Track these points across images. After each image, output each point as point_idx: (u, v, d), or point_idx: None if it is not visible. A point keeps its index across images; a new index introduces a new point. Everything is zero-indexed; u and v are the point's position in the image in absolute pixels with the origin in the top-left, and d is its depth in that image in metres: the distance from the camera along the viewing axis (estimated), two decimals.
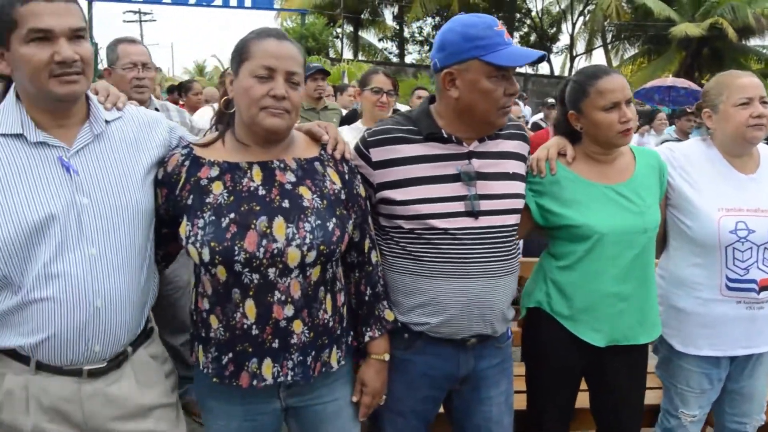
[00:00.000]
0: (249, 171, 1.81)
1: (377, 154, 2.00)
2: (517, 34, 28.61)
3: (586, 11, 26.61)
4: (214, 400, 1.90)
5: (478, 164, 2.01)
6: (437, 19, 29.69)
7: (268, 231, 1.74)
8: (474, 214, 1.97)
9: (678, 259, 2.48)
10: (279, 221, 1.75)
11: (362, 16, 29.94)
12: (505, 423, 2.20)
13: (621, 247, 2.18)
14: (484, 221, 1.98)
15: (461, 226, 1.96)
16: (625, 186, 2.25)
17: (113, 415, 1.80)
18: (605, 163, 2.29)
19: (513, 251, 2.07)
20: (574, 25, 27.26)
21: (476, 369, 2.10)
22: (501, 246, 2.02)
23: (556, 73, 27.68)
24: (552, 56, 30.03)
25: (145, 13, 39.92)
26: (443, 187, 1.97)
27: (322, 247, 1.77)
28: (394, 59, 29.08)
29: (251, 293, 1.75)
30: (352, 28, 30.81)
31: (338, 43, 28.23)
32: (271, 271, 1.74)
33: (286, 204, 1.78)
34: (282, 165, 1.84)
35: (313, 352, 1.84)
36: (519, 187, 2.11)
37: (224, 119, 1.90)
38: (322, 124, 1.98)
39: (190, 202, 1.78)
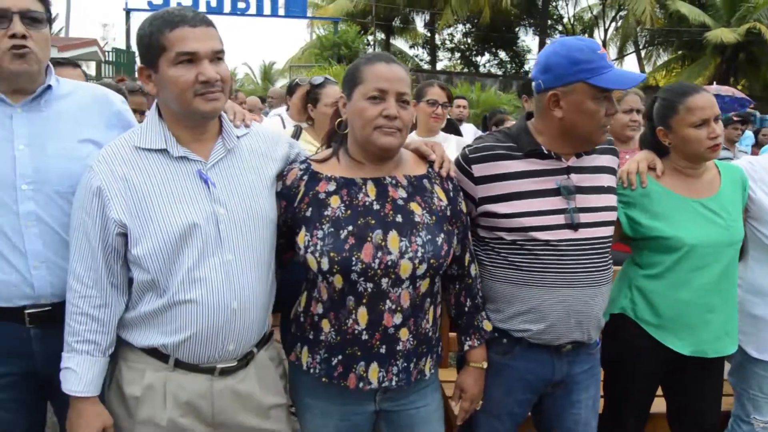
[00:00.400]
0: (364, 186, 1.93)
1: (479, 170, 2.10)
2: (548, 41, 28.56)
3: (618, 17, 26.50)
4: (313, 399, 2.01)
5: (576, 179, 2.10)
6: (467, 25, 29.79)
7: (383, 244, 1.85)
8: (573, 226, 2.06)
9: (757, 269, 2.54)
10: (393, 235, 1.86)
11: (393, 23, 30.11)
12: (592, 425, 2.29)
13: (709, 260, 2.27)
14: (583, 233, 2.07)
15: (562, 237, 2.06)
16: (712, 200, 2.33)
17: (239, 411, 1.94)
18: (693, 178, 2.37)
19: (608, 262, 2.17)
20: (606, 31, 27.17)
21: (570, 374, 2.19)
22: (598, 257, 2.11)
23: None
24: None
25: None
26: (544, 201, 2.07)
27: (432, 261, 1.88)
28: (426, 66, 29.20)
29: (364, 301, 1.86)
30: (383, 36, 31.02)
31: (370, 50, 28.48)
32: (384, 281, 1.85)
33: (399, 219, 1.89)
34: (394, 181, 1.95)
35: (414, 359, 1.94)
36: (612, 200, 2.20)
37: (337, 137, 2.03)
38: (428, 143, 2.09)
39: (308, 214, 1.90)
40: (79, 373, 1.81)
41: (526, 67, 31.37)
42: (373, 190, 1.93)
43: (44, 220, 1.94)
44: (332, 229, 1.86)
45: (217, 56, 1.77)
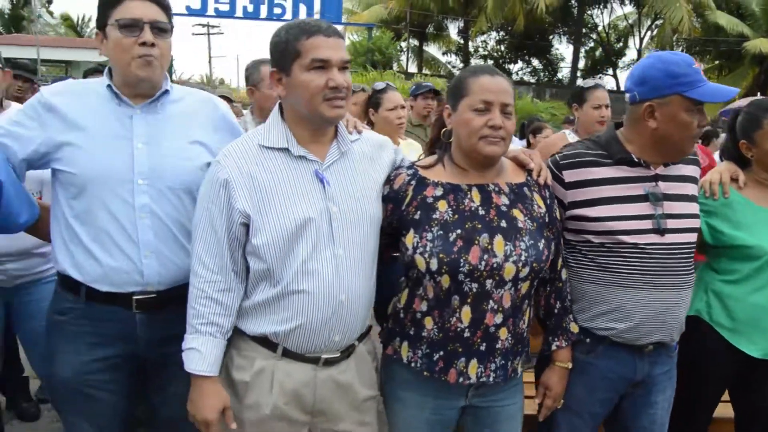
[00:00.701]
0: (469, 192, 2.03)
1: (570, 175, 2.20)
2: (582, 49, 28.48)
3: (654, 26, 26.32)
4: (407, 392, 2.11)
5: (663, 186, 2.19)
6: (501, 33, 29.83)
7: (489, 247, 1.95)
8: (660, 231, 2.15)
9: None
10: (498, 239, 1.97)
11: (427, 30, 30.28)
12: (665, 427, 2.37)
13: None
14: (670, 238, 2.16)
15: (649, 242, 2.14)
16: None
17: (338, 401, 2.05)
18: None
19: (692, 267, 2.25)
20: (641, 40, 27.01)
21: (650, 374, 2.27)
22: (683, 261, 2.19)
23: (622, 88, 27.42)
24: (618, 71, 29.78)
25: (213, 26, 41.18)
26: (632, 207, 2.16)
27: (534, 264, 1.98)
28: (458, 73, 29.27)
29: (469, 300, 1.96)
30: (416, 42, 31.19)
31: (403, 57, 28.63)
32: (489, 282, 1.95)
33: (503, 224, 2.00)
34: (497, 188, 2.06)
35: (511, 358, 2.04)
36: (696, 208, 2.29)
37: (440, 145, 2.15)
38: (526, 152, 2.20)
39: (417, 217, 2.01)
40: (204, 353, 1.93)
41: (560, 75, 31.34)
42: (477, 196, 2.04)
43: (156, 213, 2.08)
44: (441, 232, 1.97)
45: (345, 65, 1.90)
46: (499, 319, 1.98)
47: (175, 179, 2.11)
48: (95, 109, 2.10)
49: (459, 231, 1.97)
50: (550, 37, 29.83)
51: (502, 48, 30.42)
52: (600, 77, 29.46)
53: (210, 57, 43.42)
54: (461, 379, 2.00)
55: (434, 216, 2.00)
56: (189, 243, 2.14)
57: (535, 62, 31.05)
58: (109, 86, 2.10)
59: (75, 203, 2.07)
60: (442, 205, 2.01)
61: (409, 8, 26.63)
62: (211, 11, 24.09)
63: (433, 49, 32.28)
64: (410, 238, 2.00)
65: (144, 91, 2.11)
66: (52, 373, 2.17)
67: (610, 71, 30.04)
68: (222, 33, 43.49)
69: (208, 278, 1.94)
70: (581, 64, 28.33)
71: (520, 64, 30.79)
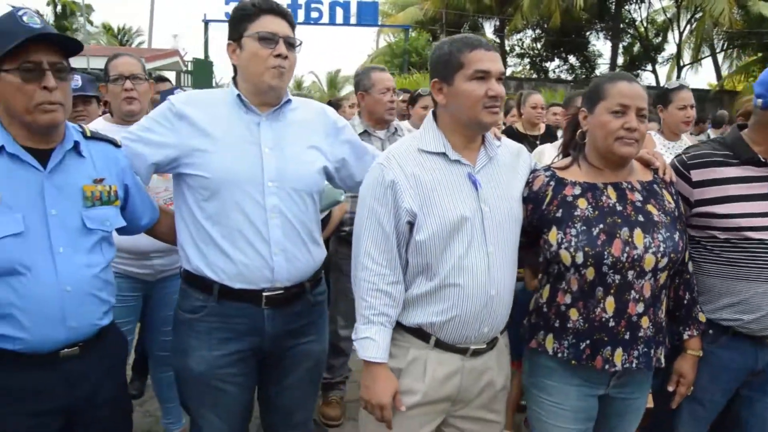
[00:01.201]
0: (605, 190, 2.18)
1: (698, 175, 2.33)
2: (621, 45, 28.21)
3: (693, 19, 25.95)
4: (553, 381, 2.24)
5: None
6: (537, 31, 29.70)
7: (630, 240, 2.09)
8: None
9: None
10: (638, 232, 2.10)
11: (462, 30, 30.29)
12: None
13: None
14: None
15: None
16: None
17: (478, 390, 2.20)
18: None
19: None
20: (681, 33, 26.60)
21: None
22: None
23: (662, 83, 27.18)
24: (657, 66, 29.43)
25: None
26: (758, 204, 2.28)
27: (672, 255, 2.11)
28: None
29: (612, 291, 2.10)
30: None
31: None
32: (630, 274, 2.09)
33: (640, 218, 2.13)
34: (630, 186, 2.20)
35: (653, 346, 2.17)
36: None
37: (573, 146, 2.30)
38: (650, 152, 2.32)
39: (559, 215, 2.16)
40: (378, 341, 2.08)
41: (597, 72, 31.06)
42: (613, 193, 2.18)
43: (284, 213, 2.24)
44: (584, 227, 2.11)
45: (499, 77, 2.05)
46: (640, 308, 2.11)
47: (299, 181, 2.27)
48: (224, 116, 2.26)
49: (601, 225, 2.10)
50: (587, 33, 29.60)
51: (538, 46, 30.29)
52: (638, 73, 29.21)
53: None
54: (607, 366, 2.13)
55: (576, 213, 2.14)
56: (310, 241, 2.33)
57: (572, 59, 30.81)
58: (238, 95, 2.25)
59: (207, 205, 2.22)
60: (581, 203, 2.15)
61: (445, 8, 26.67)
62: None
63: None
64: (553, 235, 2.14)
65: (270, 100, 2.28)
66: (184, 368, 2.29)
67: (649, 67, 29.67)
68: None
69: (377, 271, 2.08)
70: (620, 60, 28.03)
71: (556, 61, 30.57)
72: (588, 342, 2.14)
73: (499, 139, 2.27)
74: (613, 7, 26.56)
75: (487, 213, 2.10)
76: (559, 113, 7.54)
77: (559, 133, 7.26)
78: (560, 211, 2.17)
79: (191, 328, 2.27)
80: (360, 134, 3.94)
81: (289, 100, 2.32)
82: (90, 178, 2.04)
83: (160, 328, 3.12)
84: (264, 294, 2.25)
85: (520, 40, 30.77)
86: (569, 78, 29.30)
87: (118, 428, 2.18)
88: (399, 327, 2.16)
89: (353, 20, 24.54)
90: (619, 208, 2.15)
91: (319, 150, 2.38)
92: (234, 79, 2.33)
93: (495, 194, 2.14)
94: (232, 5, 23.50)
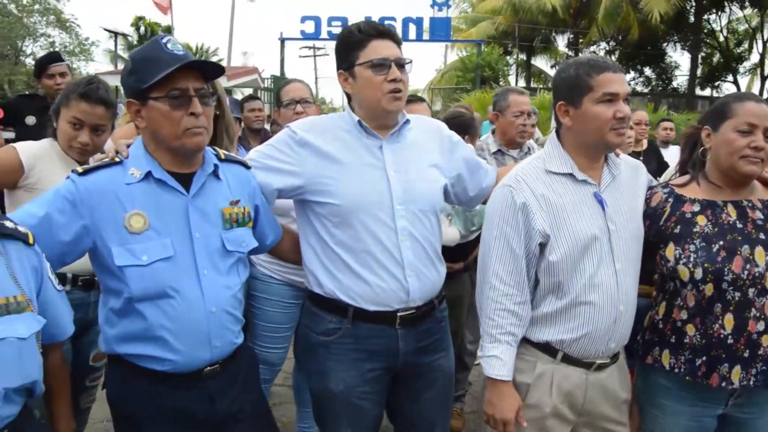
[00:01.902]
0: (725, 208, 2.20)
1: None
2: (700, 56, 27.44)
3: None
4: (666, 400, 2.25)
5: None
6: (612, 43, 29.25)
7: (751, 257, 2.11)
8: None
9: None
10: (759, 249, 2.12)
11: (534, 44, 30.12)
12: None
13: None
14: None
15: None
16: None
17: (602, 403, 2.23)
18: None
19: None
20: (765, 43, 25.69)
21: None
22: None
23: None
24: (738, 77, 28.49)
25: (319, 48, 42.59)
26: None
27: None
28: None
29: (731, 308, 2.11)
30: (524, 56, 31.09)
31: (512, 71, 28.59)
32: (751, 291, 2.10)
33: (762, 236, 2.15)
34: (750, 204, 2.21)
35: None
36: None
37: (694, 164, 2.33)
38: None
39: (677, 231, 2.20)
40: (504, 360, 2.13)
41: (675, 84, 30.30)
42: (733, 211, 2.20)
43: (413, 235, 2.27)
44: (704, 244, 2.14)
45: (627, 98, 2.11)
46: (761, 326, 2.10)
47: (424, 202, 2.31)
48: (346, 142, 2.29)
49: (721, 242, 2.13)
50: (663, 44, 28.95)
51: (613, 58, 29.77)
52: (719, 84, 28.34)
53: (316, 78, 44.80)
54: (723, 383, 2.12)
55: (694, 229, 2.17)
56: (436, 259, 2.37)
57: (648, 71, 30.18)
58: (359, 121, 2.28)
59: (337, 231, 2.25)
60: (701, 220, 2.18)
61: (518, 23, 26.63)
62: (324, 35, 24.94)
63: (540, 62, 32.08)
64: (671, 251, 2.18)
65: (389, 123, 2.31)
66: (323, 390, 2.34)
67: (730, 77, 28.74)
68: (327, 54, 44.82)
69: (505, 291, 2.14)
70: (698, 71, 27.26)
71: (632, 74, 29.97)
72: (704, 358, 2.15)
73: (617, 155, 2.31)
74: (692, 17, 25.90)
75: (614, 231, 2.15)
76: (668, 127, 7.41)
77: (672, 149, 7.03)
78: (678, 227, 2.20)
79: (327, 350, 2.33)
80: (494, 153, 4.04)
81: (407, 121, 2.37)
82: (227, 201, 2.09)
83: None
84: (398, 314, 2.28)
85: (594, 53, 30.29)
86: (645, 90, 28.67)
87: None
88: (525, 341, 2.19)
89: (426, 36, 24.66)
90: (739, 225, 2.17)
91: (439, 168, 2.40)
92: (349, 104, 2.37)
93: (620, 212, 2.18)
94: (308, 23, 24.30)
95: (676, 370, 2.20)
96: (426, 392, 2.43)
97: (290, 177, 2.28)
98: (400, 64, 2.24)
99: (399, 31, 21.68)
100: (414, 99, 3.67)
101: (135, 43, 37.53)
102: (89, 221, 1.90)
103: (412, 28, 24.32)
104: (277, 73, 24.12)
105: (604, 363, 2.22)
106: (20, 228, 1.71)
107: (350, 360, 2.30)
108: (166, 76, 1.86)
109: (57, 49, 25.37)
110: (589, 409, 2.23)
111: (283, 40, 25.56)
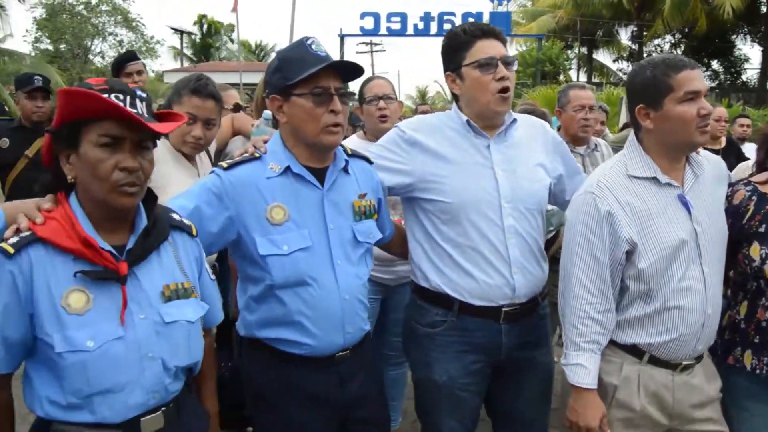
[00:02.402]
0: None
1: None
2: None
3: None
4: (751, 401, 2.22)
5: None
6: (677, 36, 28.44)
7: None
8: None
9: None
10: None
11: (596, 37, 29.53)
12: None
13: None
14: None
15: None
16: None
17: (692, 403, 2.19)
18: None
19: None
20: None
21: None
22: None
23: None
24: None
25: (376, 44, 42.69)
26: None
27: None
28: None
29: None
30: (585, 50, 30.53)
31: (573, 66, 28.10)
32: None
33: None
34: None
35: None
36: None
37: None
38: None
39: (762, 230, 2.17)
40: (589, 368, 2.12)
41: (744, 78, 29.28)
42: None
43: (519, 233, 2.31)
44: None
45: (707, 94, 2.08)
46: None
47: (530, 200, 2.33)
48: (455, 141, 2.34)
49: None
50: (732, 37, 27.98)
51: (678, 52, 28.94)
52: None
53: (373, 73, 45.04)
54: None
55: None
56: (541, 257, 2.39)
57: (715, 64, 29.22)
58: (467, 121, 2.32)
59: (445, 228, 2.31)
60: None
61: (580, 16, 26.15)
62: (383, 30, 25.09)
63: (602, 57, 31.43)
64: (756, 250, 2.15)
65: (497, 123, 2.34)
66: (427, 379, 2.41)
67: None
68: (384, 50, 44.91)
69: (589, 300, 2.13)
70: None
71: None
72: None
73: (697, 152, 2.26)
74: (764, 7, 24.96)
75: (700, 233, 2.11)
76: (745, 124, 7.22)
77: (747, 146, 6.84)
78: (764, 226, 2.16)
79: (432, 341, 2.39)
80: None
81: (514, 120, 2.39)
82: (356, 194, 2.20)
83: (392, 329, 3.28)
84: (503, 310, 2.32)
85: (658, 46, 29.55)
86: (713, 84, 27.79)
87: (380, 425, 2.32)
88: (611, 343, 2.18)
89: None
90: None
91: (544, 167, 2.43)
92: (456, 104, 2.40)
93: (705, 213, 2.14)
94: (367, 20, 24.42)
95: (758, 371, 2.17)
96: (527, 387, 2.46)
97: (401, 175, 2.35)
98: (507, 62, 2.27)
99: None
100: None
101: (198, 40, 38.53)
102: (234, 212, 2.03)
103: None
104: None
105: (689, 364, 2.19)
106: (185, 221, 1.83)
107: (454, 352, 2.35)
108: (310, 74, 1.96)
109: (125, 48, 26.20)
110: (681, 411, 2.20)
111: (342, 37, 25.73)
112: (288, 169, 2.07)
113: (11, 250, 1.51)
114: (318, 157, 2.11)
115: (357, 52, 43.52)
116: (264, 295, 2.07)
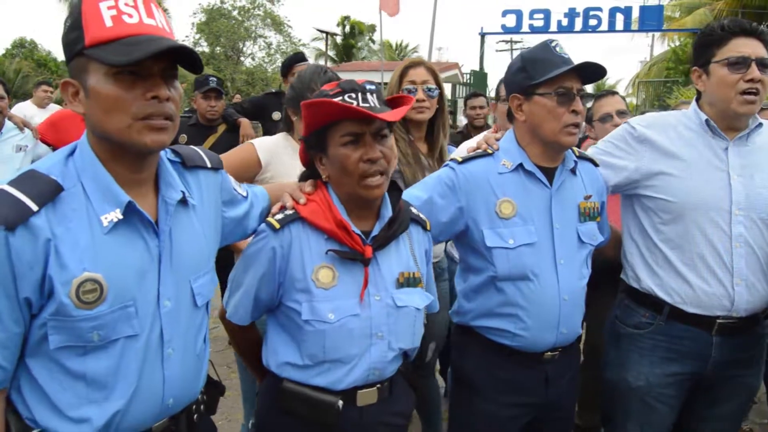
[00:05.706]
0: None
1: None
2: None
3: None
4: None
5: None
6: None
7: None
8: None
9: None
10: None
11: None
12: None
13: None
14: None
15: None
16: None
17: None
18: None
19: None
20: None
21: None
22: None
23: None
24: None
25: (516, 42, 42.00)
26: None
27: None
28: None
29: None
30: None
31: None
32: None
33: None
34: None
35: None
36: None
37: None
38: None
39: None
40: None
41: None
42: None
43: (749, 243, 2.18)
44: None
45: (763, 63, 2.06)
46: None
47: (766, 209, 2.19)
48: (690, 141, 2.26)
49: None
50: None
51: None
52: None
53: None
54: None
55: None
56: None
57: None
58: (706, 120, 2.23)
59: (666, 228, 2.25)
60: None
61: (741, 8, 24.27)
62: (525, 28, 24.44)
63: None
64: None
65: (739, 126, 2.23)
66: (620, 380, 2.35)
67: None
68: (524, 48, 44.00)
69: None
70: None
71: None
72: None
73: None
74: None
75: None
76: None
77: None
78: None
79: (633, 342, 2.34)
80: None
81: (759, 124, 2.28)
82: (582, 195, 2.21)
83: None
84: (717, 321, 2.23)
85: None
86: None
87: (567, 429, 2.33)
88: None
89: (634, 26, 23.32)
90: None
91: None
92: (698, 101, 2.33)
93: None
94: (509, 17, 24.05)
95: None
96: (722, 407, 2.34)
97: (625, 172, 2.33)
98: (763, 65, 2.15)
99: (605, 22, 20.98)
100: (605, 93, 3.61)
101: (340, 41, 39.69)
102: (465, 204, 2.12)
103: (620, 18, 23.04)
104: (476, 68, 24.18)
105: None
106: (421, 215, 1.95)
107: (657, 357, 2.29)
108: (554, 75, 2.02)
109: (273, 50, 27.51)
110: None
111: (483, 35, 25.47)
112: (520, 166, 2.12)
113: (277, 225, 1.71)
114: (551, 157, 2.14)
115: (497, 51, 43.08)
116: (485, 285, 2.14)
